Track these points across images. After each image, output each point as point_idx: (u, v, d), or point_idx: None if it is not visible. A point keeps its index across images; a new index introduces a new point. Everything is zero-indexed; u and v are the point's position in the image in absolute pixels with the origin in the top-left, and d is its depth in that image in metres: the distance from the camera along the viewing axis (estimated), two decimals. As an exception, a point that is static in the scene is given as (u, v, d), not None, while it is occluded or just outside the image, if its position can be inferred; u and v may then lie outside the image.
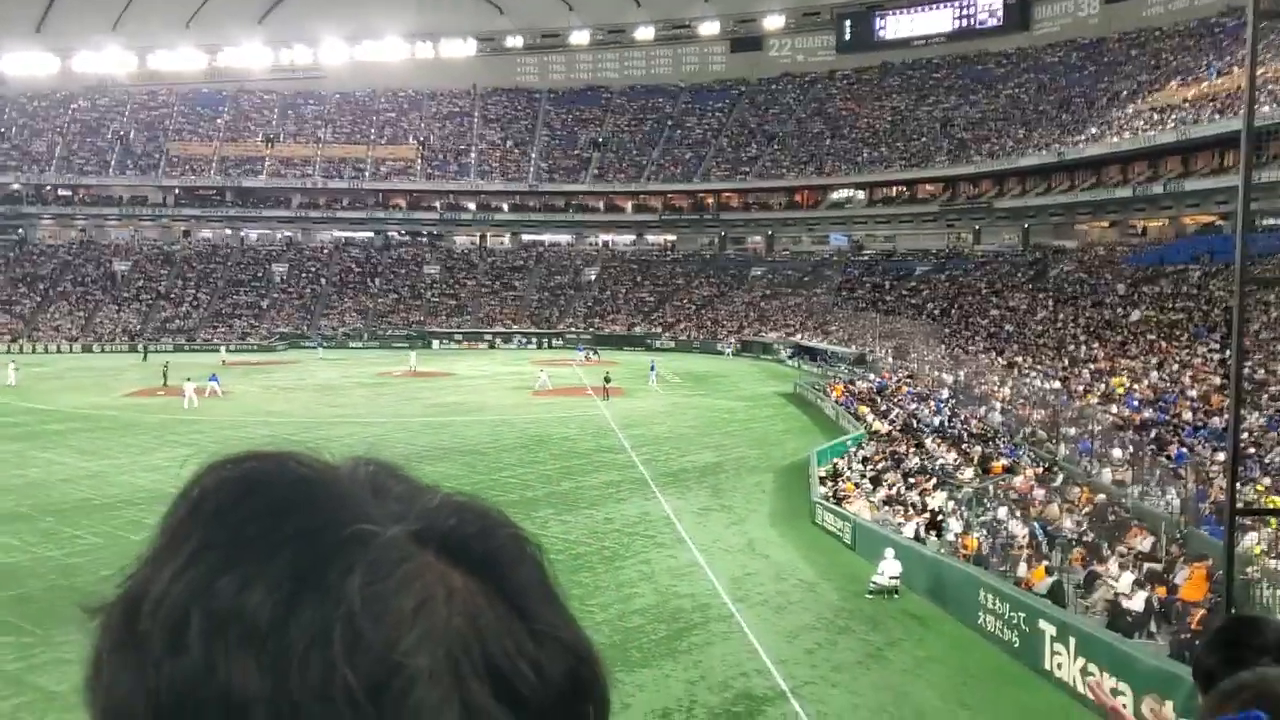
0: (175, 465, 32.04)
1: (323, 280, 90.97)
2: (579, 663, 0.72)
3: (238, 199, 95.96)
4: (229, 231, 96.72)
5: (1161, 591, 17.10)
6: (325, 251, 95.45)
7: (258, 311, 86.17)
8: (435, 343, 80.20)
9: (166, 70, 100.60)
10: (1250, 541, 17.18)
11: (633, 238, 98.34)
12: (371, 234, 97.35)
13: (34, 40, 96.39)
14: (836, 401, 43.24)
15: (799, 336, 71.11)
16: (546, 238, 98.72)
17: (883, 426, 35.58)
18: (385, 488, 0.75)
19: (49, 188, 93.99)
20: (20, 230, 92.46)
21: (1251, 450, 23.04)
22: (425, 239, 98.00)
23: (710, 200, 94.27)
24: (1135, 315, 46.47)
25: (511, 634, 0.66)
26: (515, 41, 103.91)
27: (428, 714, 0.58)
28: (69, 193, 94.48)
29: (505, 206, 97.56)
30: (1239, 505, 7.04)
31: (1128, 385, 33.58)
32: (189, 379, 47.16)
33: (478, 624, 0.64)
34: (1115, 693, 14.02)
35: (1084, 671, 14.81)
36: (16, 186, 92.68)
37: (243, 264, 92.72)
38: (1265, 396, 28.27)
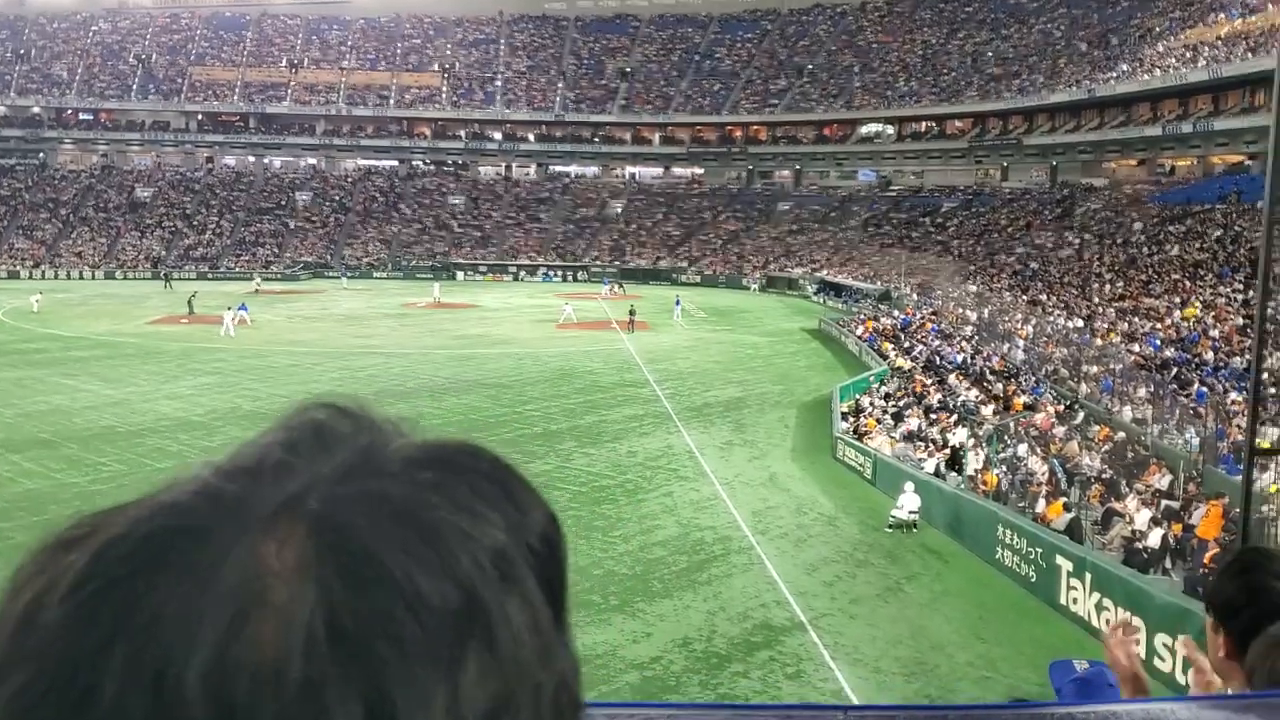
0: (198, 393, 32.65)
1: (347, 209, 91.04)
2: None
3: (261, 125, 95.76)
4: (252, 159, 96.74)
5: (1177, 529, 17.26)
6: (349, 180, 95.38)
7: (281, 240, 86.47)
8: (460, 274, 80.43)
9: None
10: (1267, 480, 17.26)
11: (659, 170, 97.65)
12: (396, 163, 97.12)
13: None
14: (860, 338, 43.23)
15: (825, 272, 70.83)
16: (573, 169, 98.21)
17: (906, 363, 35.64)
18: (332, 439, 0.65)
19: (70, 111, 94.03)
20: (41, 155, 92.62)
21: (1272, 390, 22.99)
22: (450, 168, 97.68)
23: (738, 133, 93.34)
24: (1162, 254, 46.02)
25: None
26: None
27: None
28: (90, 117, 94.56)
29: (531, 136, 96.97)
30: (1257, 446, 7.14)
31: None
32: (229, 307, 47.71)
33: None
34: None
35: (1099, 606, 15.05)
36: (37, 110, 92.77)
37: (266, 192, 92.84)
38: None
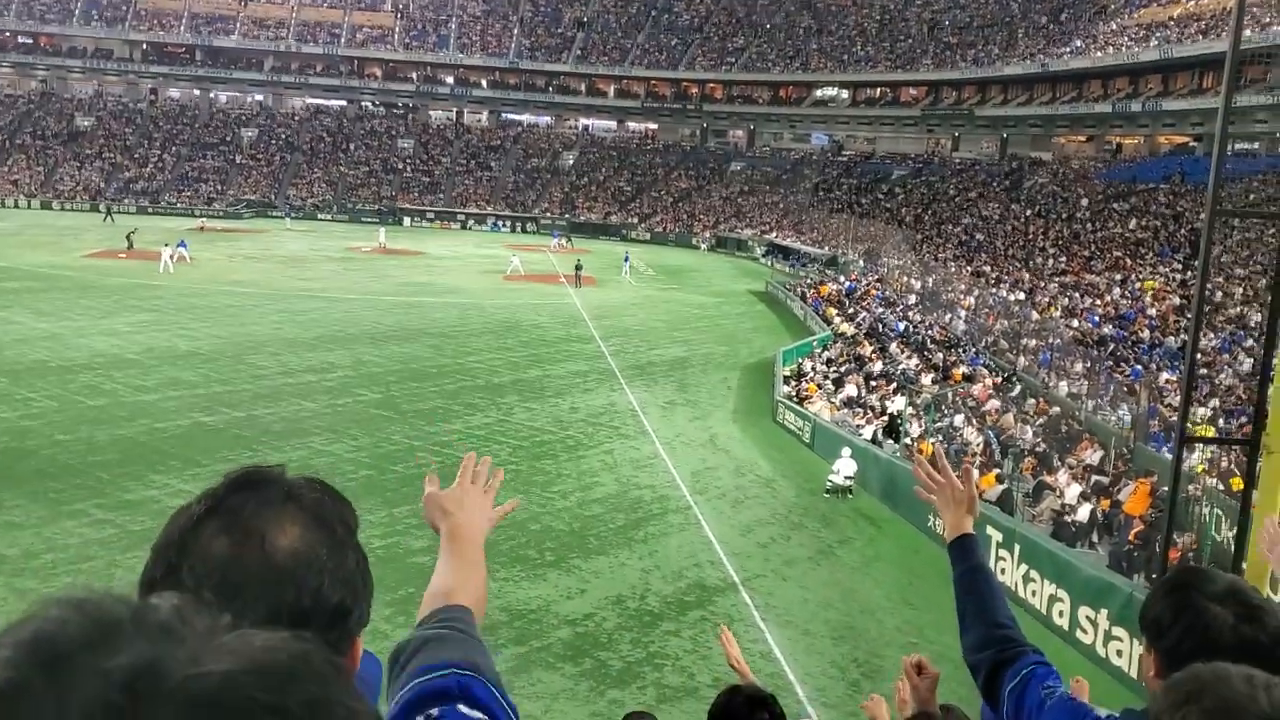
0: (134, 331, 31.95)
1: (294, 148, 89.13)
2: None
3: (208, 59, 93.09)
4: (197, 92, 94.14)
5: (1105, 504, 17.62)
6: (297, 119, 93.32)
7: (225, 177, 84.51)
8: (406, 220, 79.33)
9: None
10: (1194, 460, 17.66)
11: (613, 124, 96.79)
12: (345, 103, 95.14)
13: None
14: (806, 302, 43.43)
15: (774, 235, 70.96)
16: (525, 118, 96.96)
17: (849, 329, 35.88)
18: (176, 635, 0.59)
19: (8, 34, 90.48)
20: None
21: (1203, 371, 23.51)
22: (400, 111, 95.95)
23: (694, 90, 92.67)
24: (1105, 231, 46.69)
25: None
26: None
27: None
28: (29, 40, 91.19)
29: (484, 83, 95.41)
30: (1189, 432, 7.27)
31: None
32: (167, 244, 46.83)
33: None
34: (1054, 599, 14.59)
35: (1026, 578, 15.35)
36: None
37: (211, 127, 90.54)
38: (1220, 318, 28.71)
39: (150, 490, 17.74)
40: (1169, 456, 13.93)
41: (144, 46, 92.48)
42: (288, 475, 1.28)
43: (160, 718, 0.52)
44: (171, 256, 45.89)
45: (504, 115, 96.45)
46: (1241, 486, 14.75)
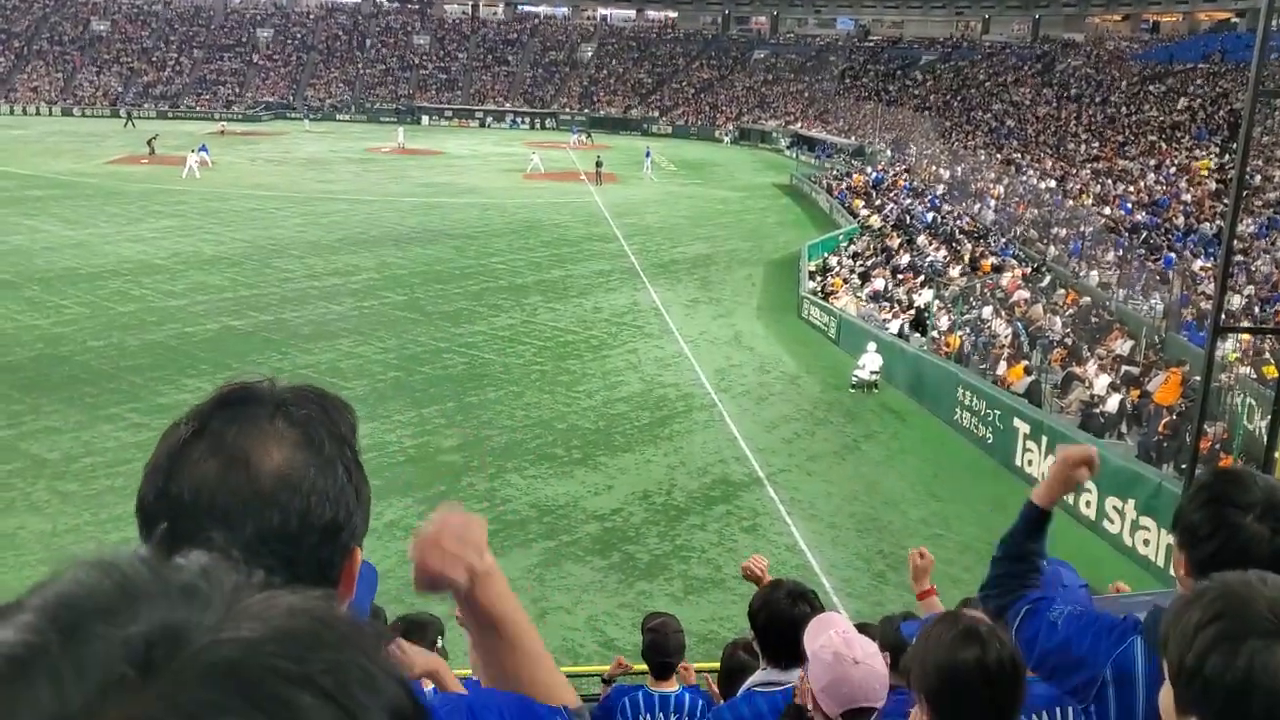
0: (160, 236, 32.01)
1: (310, 48, 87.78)
2: None
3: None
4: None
5: (1135, 395, 17.49)
6: (311, 18, 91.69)
7: (243, 79, 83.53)
8: (425, 119, 78.35)
9: None
10: (1228, 347, 17.44)
11: (632, 13, 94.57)
12: (359, 0, 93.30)
13: None
14: (832, 194, 42.83)
15: (799, 125, 69.63)
16: (542, 9, 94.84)
17: (877, 221, 35.40)
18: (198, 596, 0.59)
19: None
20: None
21: (1240, 258, 23.06)
22: (415, 6, 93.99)
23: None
24: (1140, 115, 45.47)
25: None
26: None
27: None
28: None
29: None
30: (1222, 322, 7.09)
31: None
32: (192, 150, 46.72)
33: None
34: (1080, 489, 14.58)
35: (1051, 468, 15.30)
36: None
37: (226, 28, 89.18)
38: (1259, 203, 28.06)
39: (183, 394, 17.93)
40: (1201, 346, 13.75)
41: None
42: (277, 389, 1.23)
43: (178, 686, 0.52)
44: (196, 161, 45.72)
45: (520, 7, 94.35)
46: (1276, 374, 14.58)
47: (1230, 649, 1.28)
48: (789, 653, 3.41)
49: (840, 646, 2.74)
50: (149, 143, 51.96)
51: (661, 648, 5.00)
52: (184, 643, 0.54)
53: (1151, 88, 49.97)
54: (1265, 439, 7.80)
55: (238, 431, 1.17)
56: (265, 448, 1.16)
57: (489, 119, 79.85)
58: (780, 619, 3.52)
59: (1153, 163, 36.39)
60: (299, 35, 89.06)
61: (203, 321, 22.95)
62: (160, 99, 78.79)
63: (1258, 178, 30.18)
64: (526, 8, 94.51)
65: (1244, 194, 26.60)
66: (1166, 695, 1.43)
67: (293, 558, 1.14)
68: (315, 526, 1.16)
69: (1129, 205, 31.01)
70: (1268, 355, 17.17)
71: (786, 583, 3.74)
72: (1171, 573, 2.37)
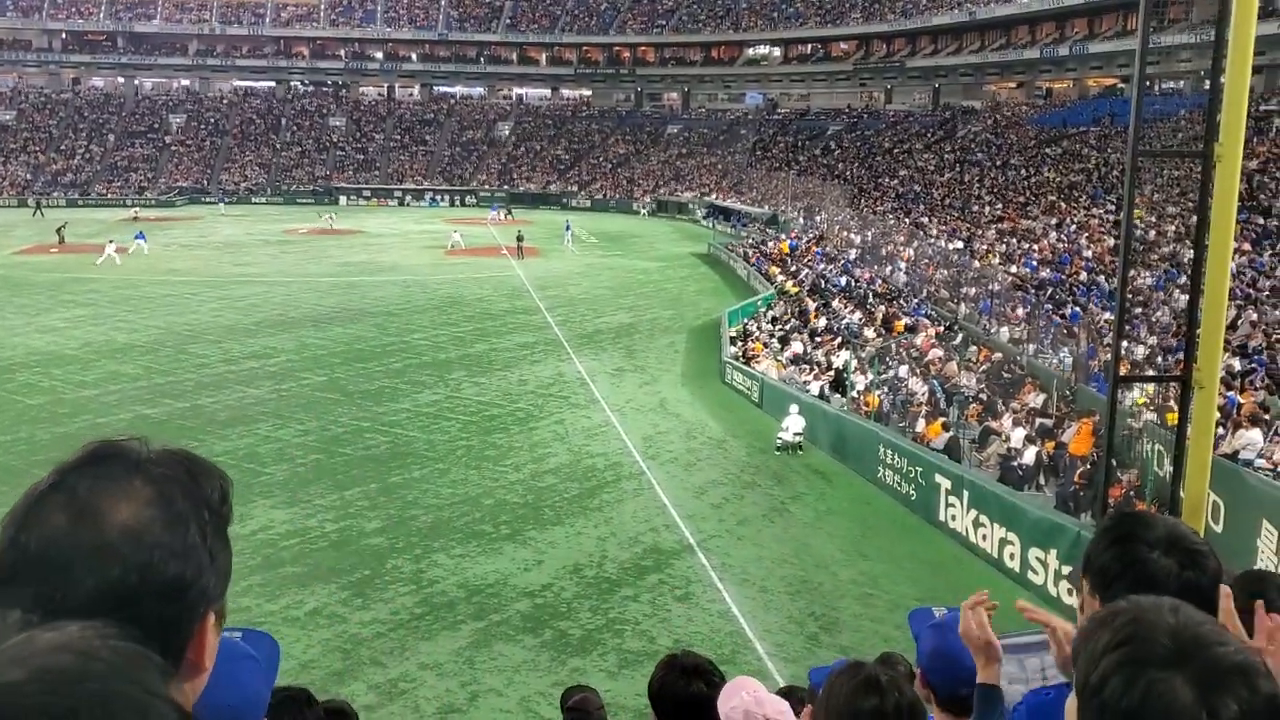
0: (71, 326, 31.26)
1: (224, 132, 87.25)
2: None
3: (130, 45, 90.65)
4: (121, 80, 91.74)
5: (1050, 446, 17.95)
6: (225, 102, 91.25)
7: (155, 165, 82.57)
8: (342, 199, 78.17)
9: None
10: (1135, 394, 18.02)
11: (547, 91, 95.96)
12: (273, 84, 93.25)
13: None
14: (749, 262, 43.58)
15: (714, 196, 70.94)
16: (458, 90, 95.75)
17: (792, 287, 36.06)
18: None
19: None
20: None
21: (1140, 310, 23.96)
22: (330, 89, 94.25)
23: (626, 54, 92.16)
24: (1039, 177, 47.28)
25: None
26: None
27: None
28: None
29: (414, 56, 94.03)
30: (1124, 366, 7.38)
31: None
32: (111, 240, 46.07)
33: None
34: (1004, 542, 14.88)
35: (976, 523, 15.62)
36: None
37: (137, 114, 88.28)
38: (1155, 256, 29.25)
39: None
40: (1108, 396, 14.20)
41: (63, 35, 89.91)
42: (144, 448, 1.25)
43: None
44: (120, 249, 45.10)
45: (436, 88, 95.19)
46: (1176, 420, 15.11)
47: (1130, 676, 1.32)
48: None
49: (751, 705, 2.80)
50: (58, 231, 50.97)
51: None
52: None
53: (1048, 150, 52.08)
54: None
55: (91, 486, 1.18)
56: (115, 502, 1.17)
57: (408, 198, 79.95)
58: (679, 698, 3.40)
59: (1054, 221, 37.80)
60: (212, 120, 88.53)
61: (116, 411, 22.39)
62: (70, 186, 77.46)
63: (1152, 233, 31.49)
64: (443, 89, 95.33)
65: (1140, 249, 27.65)
66: (1071, 706, 1.48)
67: (134, 614, 1.12)
68: (156, 583, 1.16)
69: (1034, 263, 32.11)
70: (1171, 402, 17.78)
71: (681, 658, 3.57)
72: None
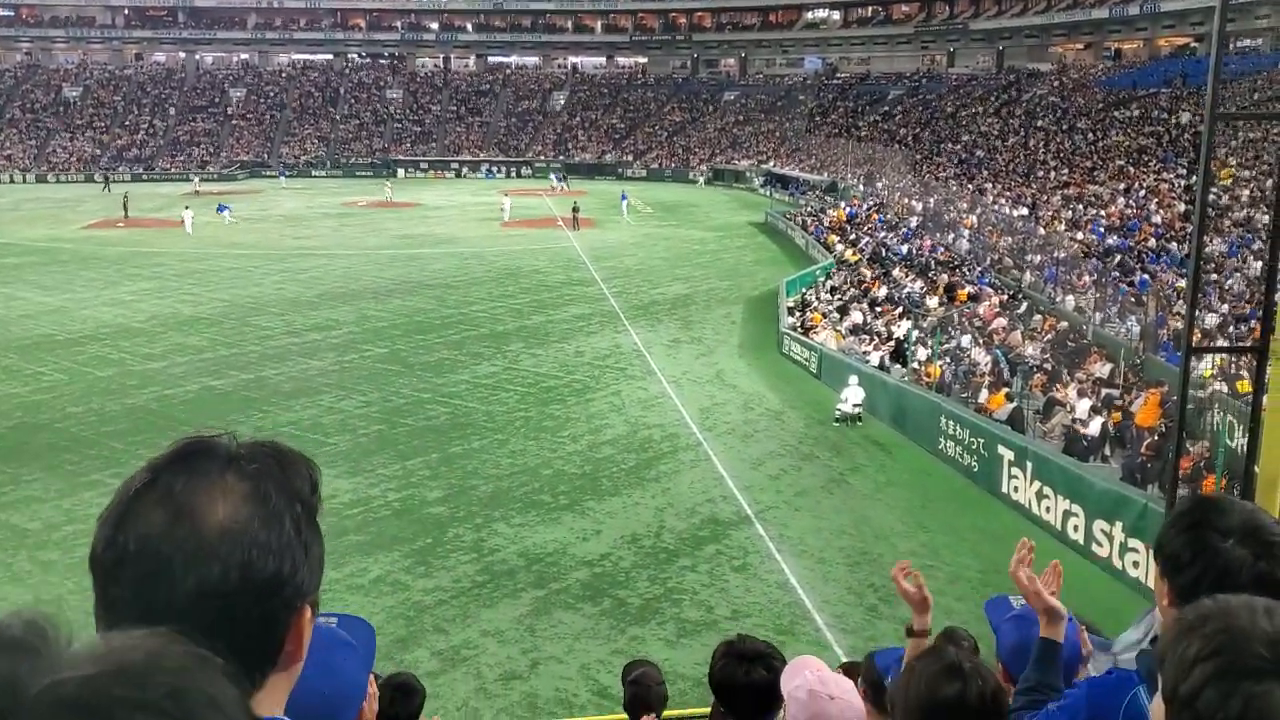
0: (138, 299, 31.92)
1: (283, 106, 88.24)
2: None
3: (190, 20, 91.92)
4: (183, 55, 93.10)
5: (1116, 417, 17.58)
6: (284, 75, 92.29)
7: (216, 139, 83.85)
8: (400, 171, 78.75)
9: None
10: (1202, 366, 17.56)
11: (602, 60, 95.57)
12: (330, 56, 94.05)
13: None
14: (807, 230, 43.16)
15: (771, 164, 70.28)
16: (513, 60, 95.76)
17: (852, 255, 35.66)
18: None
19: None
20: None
21: (1212, 277, 23.33)
22: (386, 61, 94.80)
23: (682, 20, 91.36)
24: (1107, 140, 46.12)
25: None
26: None
27: None
28: (10, 13, 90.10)
29: (469, 26, 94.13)
30: (1195, 334, 7.14)
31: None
32: (188, 207, 48.72)
33: None
34: (1068, 515, 14.64)
35: (1039, 495, 15.37)
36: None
37: (199, 89, 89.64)
38: (1228, 222, 28.42)
39: (163, 458, 17.74)
40: (1178, 366, 13.85)
41: (125, 11, 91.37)
42: (233, 443, 1.24)
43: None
44: (192, 219, 47.43)
45: (491, 58, 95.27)
46: (1249, 390, 14.69)
47: (1226, 688, 1.27)
48: (756, 712, 3.34)
49: (815, 684, 2.76)
50: (124, 202, 52.26)
51: (644, 701, 4.96)
52: (21, 691, 0.55)
53: (1117, 113, 50.73)
54: (1244, 455, 7.85)
55: (186, 483, 1.18)
56: (212, 500, 1.17)
57: (464, 169, 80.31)
58: (739, 686, 3.38)
59: (1122, 186, 36.87)
60: (272, 93, 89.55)
61: (182, 383, 22.85)
62: (135, 162, 78.97)
63: (1225, 198, 30.60)
64: (497, 59, 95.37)
65: (1213, 214, 26.93)
66: (1158, 712, 1.43)
67: (234, 612, 1.14)
68: (255, 581, 1.16)
69: (1101, 229, 31.36)
70: (1242, 371, 17.30)
71: (739, 645, 3.52)
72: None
